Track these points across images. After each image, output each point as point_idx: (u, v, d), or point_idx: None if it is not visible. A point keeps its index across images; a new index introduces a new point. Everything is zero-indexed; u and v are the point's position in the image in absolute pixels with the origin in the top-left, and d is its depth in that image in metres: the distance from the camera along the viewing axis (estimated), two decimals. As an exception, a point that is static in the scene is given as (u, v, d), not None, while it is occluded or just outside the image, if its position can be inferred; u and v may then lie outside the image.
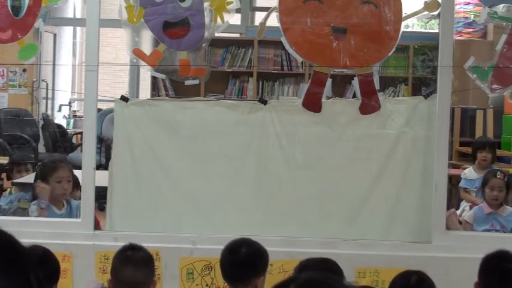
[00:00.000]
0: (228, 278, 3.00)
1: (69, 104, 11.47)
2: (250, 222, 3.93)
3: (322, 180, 4.02)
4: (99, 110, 5.05)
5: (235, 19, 8.15)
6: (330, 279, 1.48)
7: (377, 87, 3.95)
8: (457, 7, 8.36)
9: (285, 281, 1.46)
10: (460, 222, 4.97)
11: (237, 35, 9.30)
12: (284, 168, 4.01)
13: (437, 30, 4.11)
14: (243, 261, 2.99)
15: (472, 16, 8.67)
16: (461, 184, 5.89)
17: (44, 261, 2.80)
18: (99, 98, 3.97)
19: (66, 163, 4.40)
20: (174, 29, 3.89)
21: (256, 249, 3.04)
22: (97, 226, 4.14)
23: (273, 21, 3.90)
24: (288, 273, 3.59)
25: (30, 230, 3.82)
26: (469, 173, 5.92)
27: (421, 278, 2.85)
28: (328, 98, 3.99)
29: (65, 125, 10.39)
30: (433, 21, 9.65)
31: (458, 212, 5.54)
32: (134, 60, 3.97)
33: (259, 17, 9.54)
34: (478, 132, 7.54)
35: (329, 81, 3.91)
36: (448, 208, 4.08)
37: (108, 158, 5.63)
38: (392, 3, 3.89)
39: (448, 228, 3.96)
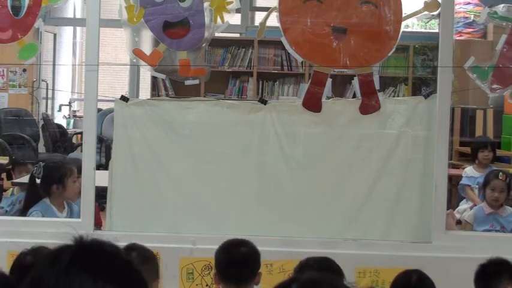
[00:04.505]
0: (232, 279, 2.99)
1: (69, 104, 11.47)
2: (250, 222, 3.94)
3: (322, 180, 4.02)
4: (99, 110, 5.04)
5: (235, 19, 8.15)
6: (331, 279, 1.48)
7: (377, 87, 3.95)
8: (457, 7, 8.36)
9: (286, 281, 1.46)
10: (460, 222, 4.98)
11: (237, 35, 9.30)
12: (284, 168, 4.01)
13: (437, 30, 4.10)
14: (247, 259, 3.00)
15: (472, 16, 8.67)
16: (463, 181, 5.89)
17: None
18: (99, 98, 3.97)
19: (74, 162, 4.38)
20: (174, 29, 3.89)
21: (253, 245, 3.06)
22: (100, 226, 4.16)
23: (273, 21, 3.90)
24: (288, 273, 3.60)
25: (31, 230, 3.83)
26: (470, 171, 5.93)
27: (421, 277, 2.88)
28: (328, 98, 3.99)
29: (65, 125, 10.39)
30: (433, 21, 9.65)
31: (460, 207, 5.57)
32: (134, 60, 3.97)
33: (259, 17, 9.54)
34: (478, 132, 7.54)
35: (329, 81, 3.91)
36: (448, 208, 4.08)
37: (108, 158, 5.62)
38: (392, 3, 3.89)
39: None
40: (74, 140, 9.42)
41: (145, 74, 9.28)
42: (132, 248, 2.95)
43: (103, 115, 7.54)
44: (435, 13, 3.93)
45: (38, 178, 4.31)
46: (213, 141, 4.04)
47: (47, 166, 4.34)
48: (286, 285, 1.43)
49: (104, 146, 7.40)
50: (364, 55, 3.92)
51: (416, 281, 2.87)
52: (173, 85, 8.56)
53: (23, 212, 4.30)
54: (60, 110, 11.17)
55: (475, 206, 5.23)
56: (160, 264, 3.76)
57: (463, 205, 5.68)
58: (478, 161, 5.95)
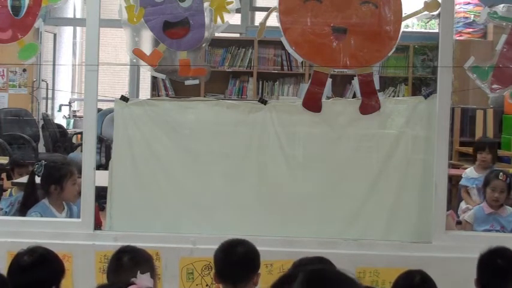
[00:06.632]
0: (229, 279, 2.99)
1: (69, 104, 11.48)
2: (250, 222, 3.94)
3: (322, 180, 4.02)
4: (99, 110, 5.04)
5: (235, 19, 8.15)
6: (335, 272, 1.47)
7: (377, 87, 3.95)
8: (457, 7, 8.36)
9: (283, 277, 1.46)
10: (460, 223, 4.97)
11: (237, 35, 9.30)
12: (284, 168, 4.01)
13: (437, 30, 4.10)
14: (244, 259, 3.00)
15: (472, 16, 8.67)
16: (461, 182, 5.91)
17: (43, 262, 2.79)
18: (99, 98, 3.97)
19: (73, 163, 4.38)
20: (174, 29, 3.89)
21: (251, 246, 3.05)
22: (100, 226, 4.16)
23: (273, 21, 3.90)
24: (288, 274, 3.59)
25: (30, 230, 3.83)
26: (470, 172, 5.94)
27: (424, 278, 2.87)
28: (328, 98, 3.99)
29: (65, 125, 10.40)
30: (433, 21, 9.66)
31: (462, 207, 5.57)
32: (134, 60, 3.97)
33: (259, 17, 9.54)
34: (478, 132, 7.54)
35: (329, 81, 3.91)
36: (448, 208, 4.09)
37: (108, 158, 5.62)
38: (392, 3, 3.89)
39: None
40: (74, 140, 9.43)
41: (145, 74, 9.28)
42: (125, 250, 2.92)
43: (103, 115, 7.55)
44: (435, 13, 3.93)
45: (39, 176, 4.31)
46: (213, 141, 4.04)
47: (48, 165, 4.33)
48: (283, 282, 1.42)
49: (104, 146, 7.40)
50: (364, 55, 3.92)
51: (419, 281, 2.86)
52: (173, 85, 8.56)
53: (21, 209, 4.30)
54: (60, 110, 11.18)
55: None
56: (160, 264, 3.76)
57: (462, 208, 5.68)
58: (477, 163, 5.96)
